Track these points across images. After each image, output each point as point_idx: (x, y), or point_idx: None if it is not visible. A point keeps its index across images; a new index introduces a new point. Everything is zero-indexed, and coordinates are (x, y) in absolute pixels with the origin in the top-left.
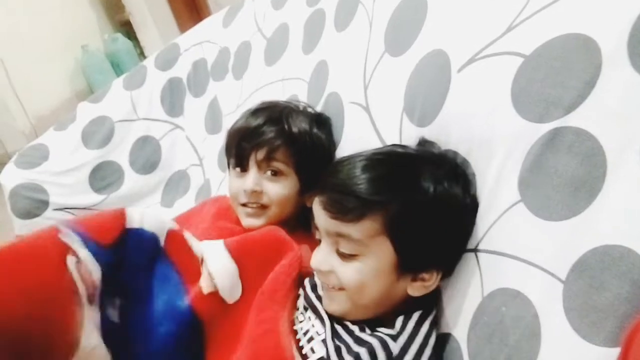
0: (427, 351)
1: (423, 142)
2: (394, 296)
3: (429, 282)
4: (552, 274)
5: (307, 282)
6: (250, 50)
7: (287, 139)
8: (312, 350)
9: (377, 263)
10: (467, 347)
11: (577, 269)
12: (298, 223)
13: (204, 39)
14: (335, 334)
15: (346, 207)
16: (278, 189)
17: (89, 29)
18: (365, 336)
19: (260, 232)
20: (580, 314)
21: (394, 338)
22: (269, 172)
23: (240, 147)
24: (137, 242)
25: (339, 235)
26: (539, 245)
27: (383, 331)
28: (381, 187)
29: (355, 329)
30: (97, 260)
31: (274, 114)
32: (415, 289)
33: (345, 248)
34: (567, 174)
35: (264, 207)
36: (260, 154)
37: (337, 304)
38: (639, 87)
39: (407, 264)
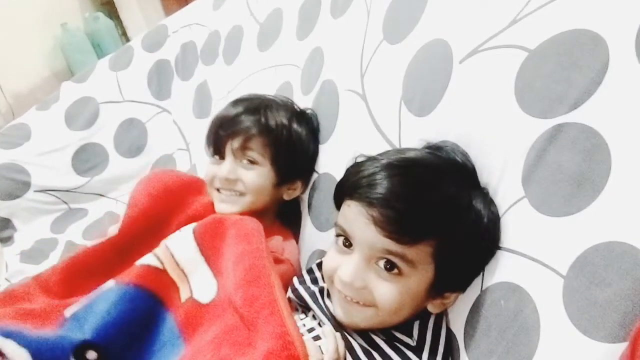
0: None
1: (435, 148)
2: (416, 312)
3: (448, 300)
4: (553, 269)
5: (300, 287)
6: (242, 35)
7: (262, 129)
8: (321, 350)
9: (416, 284)
10: (464, 339)
11: (578, 264)
12: (275, 216)
13: (193, 21)
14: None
15: (407, 229)
16: (253, 177)
17: (68, 7)
18: (385, 347)
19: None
20: (581, 309)
21: (418, 353)
22: (245, 161)
23: (217, 135)
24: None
25: (390, 252)
26: (540, 241)
27: (403, 339)
28: (445, 213)
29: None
30: (22, 343)
31: (253, 105)
32: (435, 306)
33: (393, 265)
34: (571, 170)
35: (240, 195)
36: (236, 143)
37: (360, 319)
38: None
39: (441, 286)
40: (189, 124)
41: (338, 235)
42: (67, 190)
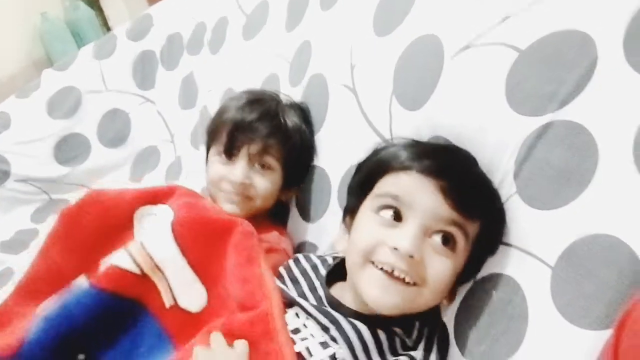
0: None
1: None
2: (438, 303)
3: (456, 293)
4: (542, 260)
5: (280, 285)
6: (228, 26)
7: (282, 135)
8: (309, 352)
9: (459, 266)
10: (454, 329)
11: (566, 256)
12: (266, 214)
13: (178, 12)
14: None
15: (475, 203)
16: (266, 183)
17: None
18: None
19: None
20: (568, 298)
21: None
22: (257, 165)
23: (233, 138)
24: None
25: (455, 224)
26: (531, 233)
27: (403, 338)
28: (496, 194)
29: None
30: None
31: (271, 109)
32: (448, 300)
33: (453, 239)
34: (559, 165)
35: (248, 199)
36: (254, 148)
37: (398, 301)
38: (634, 82)
39: (468, 274)
40: (174, 115)
41: (383, 205)
42: (48, 181)
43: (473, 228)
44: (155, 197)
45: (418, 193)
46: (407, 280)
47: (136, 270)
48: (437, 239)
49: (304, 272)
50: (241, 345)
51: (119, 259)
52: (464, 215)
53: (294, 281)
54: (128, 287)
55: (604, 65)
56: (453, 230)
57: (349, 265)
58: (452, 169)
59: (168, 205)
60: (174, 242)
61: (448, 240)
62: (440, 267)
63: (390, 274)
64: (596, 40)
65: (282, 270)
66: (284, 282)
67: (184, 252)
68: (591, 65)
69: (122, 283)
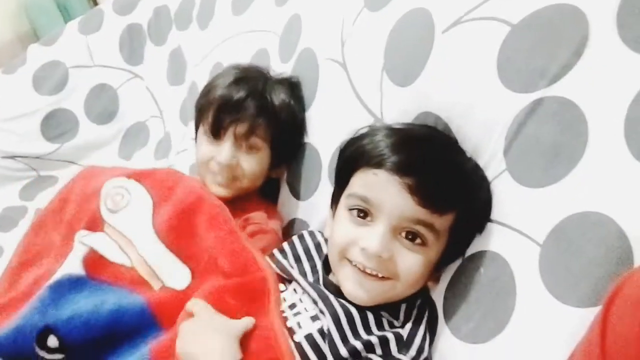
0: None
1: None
2: (420, 289)
3: (441, 274)
4: (530, 238)
5: (282, 260)
6: (217, 0)
7: (269, 115)
8: (299, 325)
9: (435, 256)
10: (443, 307)
11: (554, 233)
12: (256, 191)
13: None
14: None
15: (442, 198)
16: (253, 164)
17: None
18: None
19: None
20: (555, 276)
21: (399, 330)
22: (245, 146)
23: (219, 118)
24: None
25: (420, 222)
26: (520, 211)
27: (390, 320)
28: (471, 183)
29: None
30: None
31: (257, 87)
32: (434, 282)
33: (420, 237)
34: (549, 141)
35: (236, 179)
36: (241, 129)
37: (374, 294)
38: (626, 58)
39: (447, 259)
40: (163, 91)
41: (353, 206)
42: (36, 157)
43: (444, 221)
44: (133, 173)
45: (385, 194)
46: (380, 275)
47: (128, 264)
48: (403, 235)
49: (306, 251)
50: (246, 320)
51: (115, 255)
52: (431, 211)
53: (297, 258)
54: (122, 277)
55: (595, 40)
56: (419, 228)
57: (329, 258)
58: (422, 164)
59: (143, 187)
60: (160, 242)
61: (415, 236)
62: (411, 262)
63: (363, 271)
64: (588, 15)
65: (285, 246)
66: (286, 258)
67: (167, 246)
68: (583, 40)
69: (118, 274)
